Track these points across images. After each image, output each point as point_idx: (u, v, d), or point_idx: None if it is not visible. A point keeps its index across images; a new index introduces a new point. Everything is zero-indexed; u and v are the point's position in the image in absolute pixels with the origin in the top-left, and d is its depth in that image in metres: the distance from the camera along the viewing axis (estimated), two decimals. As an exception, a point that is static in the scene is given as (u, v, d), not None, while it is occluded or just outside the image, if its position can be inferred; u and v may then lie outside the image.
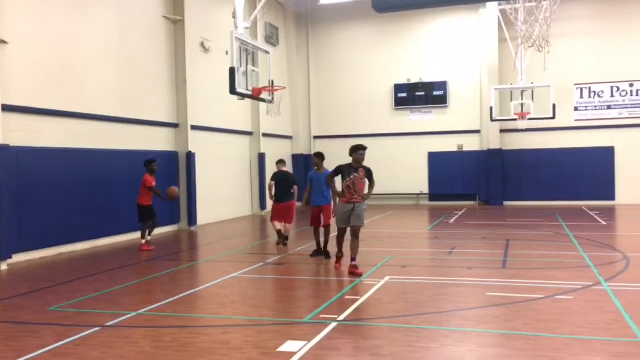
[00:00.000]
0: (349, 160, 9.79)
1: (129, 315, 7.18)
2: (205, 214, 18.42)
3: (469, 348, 5.71)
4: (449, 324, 6.60)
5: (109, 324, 6.83)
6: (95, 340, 6.18)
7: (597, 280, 8.61)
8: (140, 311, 7.39)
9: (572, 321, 6.55)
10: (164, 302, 7.91)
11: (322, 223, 11.22)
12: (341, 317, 6.85)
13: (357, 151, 9.84)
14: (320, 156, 11.46)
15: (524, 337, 5.98)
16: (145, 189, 12.89)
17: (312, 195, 11.17)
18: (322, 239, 11.28)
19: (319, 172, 11.26)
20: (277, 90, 13.24)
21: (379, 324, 6.65)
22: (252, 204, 22.21)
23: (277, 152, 24.46)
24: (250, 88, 12.64)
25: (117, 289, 8.90)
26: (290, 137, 26.13)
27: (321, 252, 11.28)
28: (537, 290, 8.06)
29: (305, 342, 5.89)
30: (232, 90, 11.79)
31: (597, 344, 5.76)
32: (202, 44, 18.60)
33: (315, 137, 26.65)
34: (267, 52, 13.49)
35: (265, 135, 22.68)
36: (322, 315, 6.97)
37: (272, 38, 23.76)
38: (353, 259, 9.58)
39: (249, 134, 22.10)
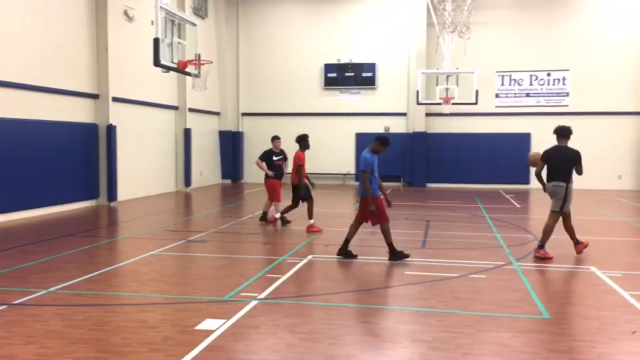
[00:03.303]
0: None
1: (39, 293, 6.87)
2: (127, 189, 17.84)
3: (385, 325, 5.84)
4: (367, 302, 6.73)
5: (16, 302, 6.51)
6: (1, 319, 5.88)
7: (509, 260, 9.02)
8: (52, 289, 7.09)
9: (483, 299, 6.84)
10: (79, 279, 7.62)
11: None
12: (262, 295, 6.84)
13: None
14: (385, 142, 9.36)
15: (438, 314, 6.19)
16: (297, 170, 11.99)
17: (372, 184, 9.16)
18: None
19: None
20: (203, 64, 12.94)
21: (299, 302, 6.69)
22: (176, 180, 21.72)
23: (204, 128, 24.06)
24: (175, 61, 12.29)
25: (28, 265, 8.49)
26: (217, 113, 25.66)
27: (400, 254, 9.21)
28: (453, 269, 8.36)
29: (224, 320, 5.85)
30: (156, 62, 11.41)
31: (506, 320, 6.04)
32: (126, 12, 17.81)
33: (244, 114, 26.32)
34: (194, 24, 13.12)
35: (191, 110, 22.15)
36: (242, 294, 6.93)
37: (200, 10, 23.12)
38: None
39: (175, 108, 21.51)
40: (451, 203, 17.89)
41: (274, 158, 12.82)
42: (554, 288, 7.29)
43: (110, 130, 16.81)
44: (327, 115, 25.45)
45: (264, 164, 12.72)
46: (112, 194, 16.91)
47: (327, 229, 12.20)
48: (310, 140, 12.61)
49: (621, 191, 22.21)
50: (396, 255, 8.94)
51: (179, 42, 12.45)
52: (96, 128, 16.70)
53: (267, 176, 12.75)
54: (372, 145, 9.25)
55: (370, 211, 8.90)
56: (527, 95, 24.26)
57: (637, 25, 23.13)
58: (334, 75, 25.35)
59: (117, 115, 17.24)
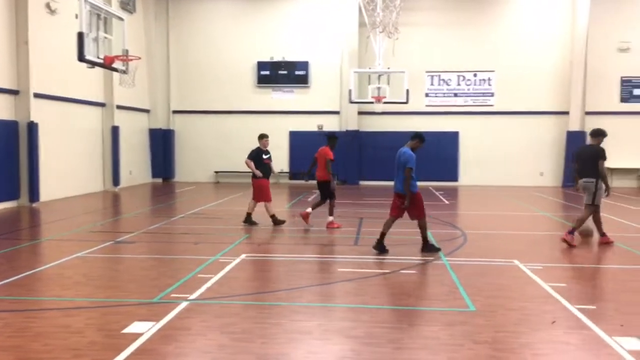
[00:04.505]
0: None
1: (-48, 301, 6.47)
2: (50, 189, 17.10)
3: (317, 322, 5.87)
4: (300, 300, 6.74)
5: None
6: None
7: (438, 255, 9.26)
8: (-33, 295, 6.69)
9: (414, 294, 6.99)
10: (-3, 284, 7.23)
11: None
12: (193, 296, 6.72)
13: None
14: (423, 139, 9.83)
15: (370, 310, 6.28)
16: (325, 163, 12.05)
17: (414, 180, 9.44)
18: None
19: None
20: (131, 60, 12.56)
21: (231, 301, 6.61)
22: (104, 179, 21.00)
23: (132, 126, 23.39)
24: (101, 56, 11.87)
25: (-61, 271, 7.98)
26: (147, 111, 25.00)
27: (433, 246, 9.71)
28: (385, 266, 8.50)
29: (153, 323, 5.70)
30: (81, 57, 10.99)
31: (435, 314, 6.20)
32: (48, 5, 17.05)
33: (175, 112, 25.76)
34: (121, 19, 12.72)
35: (119, 107, 21.47)
36: (173, 295, 6.78)
37: (128, 4, 22.44)
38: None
39: (102, 105, 20.79)
40: (384, 200, 18.18)
41: (264, 157, 12.57)
42: (480, 281, 7.55)
43: (32, 127, 16.04)
44: (260, 113, 25.31)
45: (252, 163, 12.39)
46: (34, 195, 16.15)
47: (261, 227, 12.13)
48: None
49: (543, 187, 23.27)
50: (429, 248, 9.42)
51: (105, 37, 12.02)
52: (16, 125, 15.90)
53: (255, 176, 12.43)
54: (411, 143, 9.63)
55: (404, 207, 9.38)
56: (455, 95, 25.01)
57: (559, 29, 24.30)
58: (267, 73, 25.23)
59: (40, 112, 16.48)
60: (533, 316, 6.10)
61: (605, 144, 10.32)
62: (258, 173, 12.33)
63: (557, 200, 19.02)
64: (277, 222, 12.37)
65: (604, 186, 10.15)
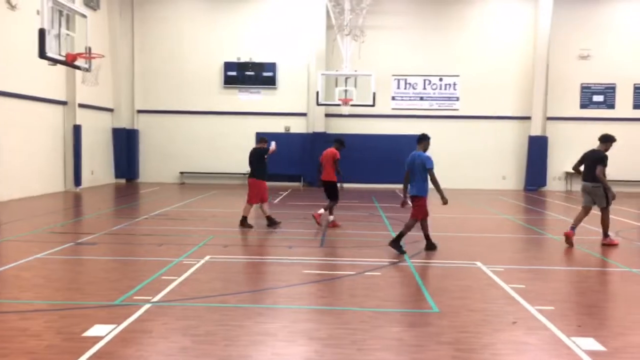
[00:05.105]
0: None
1: None
2: (8, 189, 16.66)
3: (281, 324, 5.85)
4: (264, 302, 6.71)
5: None
6: None
7: (402, 257, 9.34)
8: None
9: (378, 295, 7.04)
10: (-50, 287, 7.00)
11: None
12: (156, 298, 6.63)
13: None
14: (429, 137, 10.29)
15: (334, 311, 6.30)
16: (333, 164, 12.48)
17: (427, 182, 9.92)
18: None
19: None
20: (94, 57, 12.34)
21: (195, 303, 6.54)
22: (65, 179, 20.56)
23: (95, 125, 22.97)
24: (63, 53, 11.62)
25: None
26: (111, 110, 24.57)
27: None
28: (350, 267, 8.53)
29: (114, 326, 5.61)
30: (42, 54, 10.73)
31: (398, 315, 6.25)
32: (8, 1, 16.62)
33: (139, 111, 25.39)
34: (84, 16, 12.46)
35: (81, 105, 21.04)
36: (135, 297, 6.68)
37: (92, 1, 22.03)
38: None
39: (63, 103, 20.34)
40: (349, 202, 18.26)
41: (266, 157, 12.54)
42: (443, 283, 7.65)
43: (-10, 125, 15.62)
44: (227, 114, 25.15)
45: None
46: (-9, 194, 15.72)
47: (226, 229, 12.05)
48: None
49: (505, 191, 23.73)
50: (397, 246, 9.60)
51: (67, 34, 11.77)
52: (-27, 123, 15.47)
53: (257, 176, 12.32)
54: (422, 145, 9.97)
55: (444, 203, 9.89)
56: (421, 98, 25.30)
57: (522, 36, 24.84)
58: (234, 73, 25.09)
59: (-2, 110, 16.06)
60: (495, 317, 6.20)
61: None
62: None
63: (519, 203, 19.41)
64: (273, 222, 12.37)
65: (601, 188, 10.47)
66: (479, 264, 8.86)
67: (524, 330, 5.75)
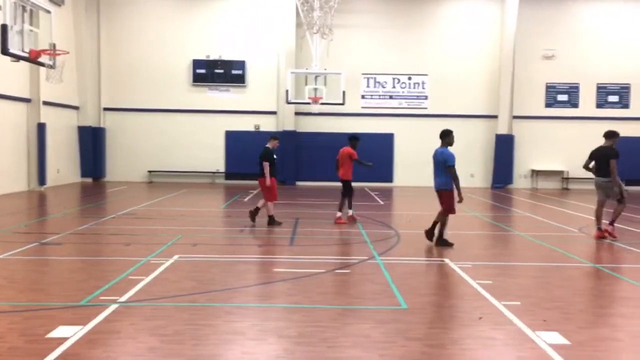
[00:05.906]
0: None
1: None
2: (-30, 188, 16.22)
3: (251, 323, 5.82)
4: (234, 301, 6.67)
5: None
6: None
7: (372, 254, 9.39)
8: None
9: (347, 293, 7.06)
10: None
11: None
12: (123, 299, 6.53)
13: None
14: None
15: (304, 309, 6.29)
16: (350, 163, 12.85)
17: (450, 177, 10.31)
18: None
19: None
20: (59, 54, 12.11)
21: (163, 303, 6.47)
22: (28, 178, 20.10)
23: (60, 123, 22.52)
24: (27, 50, 11.37)
25: None
26: (76, 108, 24.10)
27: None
28: (319, 265, 8.53)
29: (80, 327, 5.50)
30: (4, 51, 10.50)
31: (367, 312, 6.28)
32: (-31, -6, 16.16)
33: (106, 109, 24.96)
34: (48, 12, 12.21)
35: (46, 103, 20.59)
36: (101, 297, 6.56)
37: (57, -4, 21.56)
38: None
39: (27, 100, 19.88)
40: (320, 201, 18.30)
41: (274, 157, 12.54)
42: (412, 280, 7.71)
43: (-50, 123, 15.17)
44: (196, 112, 24.92)
45: (268, 166, 12.25)
46: (-48, 194, 15.28)
47: (196, 228, 11.94)
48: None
49: (473, 189, 24.02)
50: (443, 242, 10.02)
51: (31, 30, 11.52)
52: None
53: (263, 176, 12.28)
54: (447, 140, 10.19)
55: (459, 201, 10.11)
56: (391, 97, 25.47)
57: (488, 36, 25.20)
58: (203, 71, 24.87)
59: (-42, 107, 15.61)
60: (462, 312, 6.28)
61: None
62: (267, 182, 12.23)
63: (486, 200, 19.70)
64: (274, 222, 12.32)
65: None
66: (447, 260, 8.97)
67: (491, 326, 5.83)
